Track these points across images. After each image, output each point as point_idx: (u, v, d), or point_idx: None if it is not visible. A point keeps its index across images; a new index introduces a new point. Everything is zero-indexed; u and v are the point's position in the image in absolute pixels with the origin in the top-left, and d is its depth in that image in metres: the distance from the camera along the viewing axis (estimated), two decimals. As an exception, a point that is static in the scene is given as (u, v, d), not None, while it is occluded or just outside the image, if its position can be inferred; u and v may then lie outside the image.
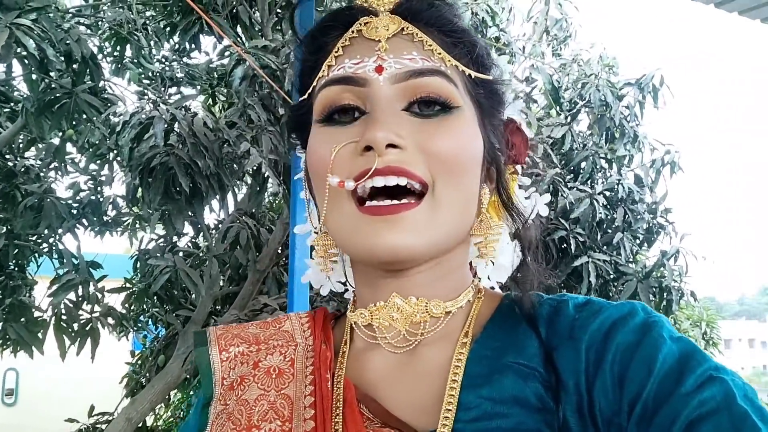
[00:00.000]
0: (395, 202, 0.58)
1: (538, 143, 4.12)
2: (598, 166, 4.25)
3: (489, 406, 0.57)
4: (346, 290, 0.76)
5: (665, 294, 3.94)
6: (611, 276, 3.99)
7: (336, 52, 0.64)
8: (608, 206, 4.18)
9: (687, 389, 0.51)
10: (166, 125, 2.67)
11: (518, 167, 0.73)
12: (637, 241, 4.34)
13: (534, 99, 4.49)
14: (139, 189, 3.00)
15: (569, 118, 4.28)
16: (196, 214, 3.28)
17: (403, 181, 0.58)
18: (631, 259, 4.25)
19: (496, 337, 0.63)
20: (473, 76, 0.65)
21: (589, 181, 4.32)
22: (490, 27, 3.80)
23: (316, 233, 0.70)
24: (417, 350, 0.64)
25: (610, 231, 4.22)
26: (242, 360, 0.68)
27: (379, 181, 0.58)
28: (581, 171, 4.24)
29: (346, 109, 0.62)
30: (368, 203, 0.59)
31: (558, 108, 4.08)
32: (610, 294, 4.08)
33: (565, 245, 4.00)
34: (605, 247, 4.15)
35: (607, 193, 4.23)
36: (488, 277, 0.74)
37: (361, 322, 0.66)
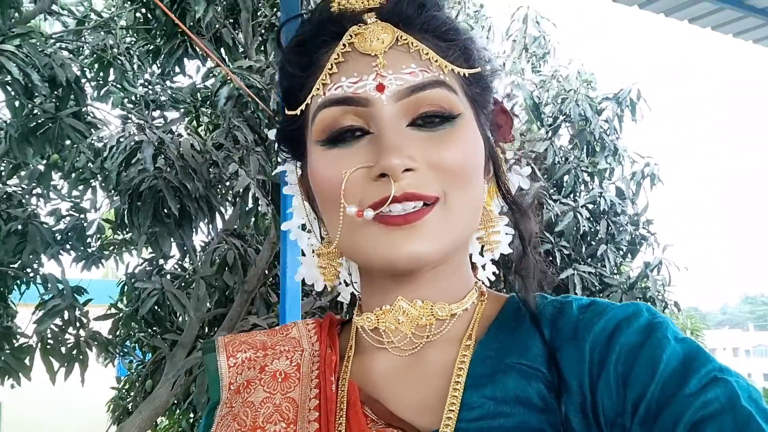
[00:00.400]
0: (409, 210, 0.58)
1: (520, 158, 4.17)
2: (580, 180, 4.32)
3: (492, 406, 0.57)
4: (338, 294, 0.76)
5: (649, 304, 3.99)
6: (596, 287, 4.03)
7: (330, 69, 0.62)
8: (591, 219, 4.24)
9: (691, 390, 0.50)
10: (154, 149, 2.68)
11: (505, 146, 0.73)
12: (621, 253, 4.39)
13: (515, 114, 4.56)
14: (127, 213, 2.99)
15: (550, 133, 4.36)
16: (185, 237, 3.27)
17: (419, 204, 0.58)
18: (615, 271, 4.30)
19: (500, 338, 0.63)
20: (467, 75, 0.64)
21: (571, 195, 4.39)
22: (470, 45, 3.87)
23: (321, 239, 0.71)
24: (422, 352, 0.64)
25: (593, 243, 4.28)
26: (249, 365, 0.69)
27: (397, 208, 0.58)
28: (564, 184, 4.31)
29: (348, 130, 0.61)
30: (382, 215, 0.59)
31: (539, 123, 4.15)
32: (596, 305, 4.11)
33: (550, 258, 4.04)
34: (590, 259, 4.21)
35: (590, 206, 4.29)
36: (481, 254, 0.74)
37: (367, 326, 0.66)
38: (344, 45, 0.62)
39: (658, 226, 4.54)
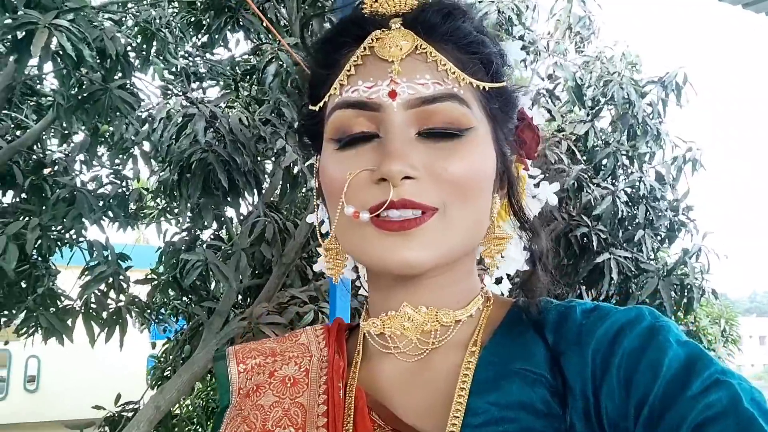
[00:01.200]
0: (407, 216, 0.59)
1: (561, 140, 4.15)
2: (619, 163, 4.26)
3: (496, 412, 0.58)
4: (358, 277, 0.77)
5: (686, 292, 3.96)
6: (632, 273, 4.01)
7: (348, 70, 0.63)
8: (630, 203, 4.20)
9: (693, 393, 0.51)
10: (205, 123, 2.73)
11: (528, 162, 0.73)
12: (659, 239, 4.35)
13: (557, 96, 4.50)
14: (176, 184, 3.06)
15: (592, 116, 4.29)
16: (235, 210, 3.34)
17: (417, 213, 0.59)
18: (652, 257, 4.26)
19: (504, 344, 0.64)
20: (488, 89, 0.64)
21: (610, 178, 4.34)
22: (515, 25, 3.82)
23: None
24: (428, 358, 0.65)
25: (631, 228, 4.24)
26: (259, 370, 0.70)
27: (394, 213, 0.59)
28: (603, 168, 4.26)
29: (360, 136, 0.62)
30: (379, 217, 0.60)
31: (581, 105, 4.09)
32: (631, 291, 4.10)
33: (586, 242, 4.03)
34: (626, 244, 4.17)
35: (629, 190, 4.24)
36: (496, 268, 0.73)
37: (373, 331, 0.67)
38: (364, 48, 0.63)
39: (698, 213, 4.47)
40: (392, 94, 0.60)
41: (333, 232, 0.66)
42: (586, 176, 4.00)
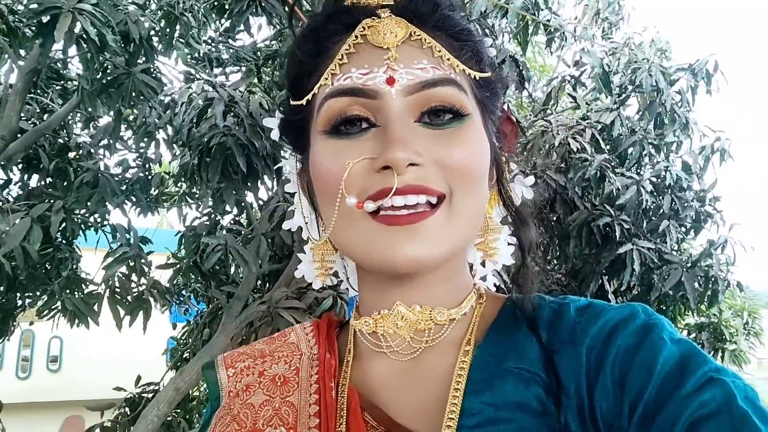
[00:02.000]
0: (412, 211, 0.57)
1: (586, 128, 4.08)
2: (645, 152, 4.18)
3: (491, 412, 0.57)
4: (340, 281, 0.74)
5: (710, 284, 3.89)
6: (656, 264, 3.95)
7: (340, 59, 0.61)
8: (655, 193, 4.13)
9: (687, 391, 0.51)
10: (225, 107, 2.73)
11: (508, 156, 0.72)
12: (683, 230, 4.27)
13: (583, 83, 4.43)
14: (196, 168, 3.08)
15: (618, 103, 4.21)
16: (253, 194, 3.35)
17: (422, 199, 0.57)
18: (676, 248, 4.19)
19: (498, 342, 0.63)
20: (478, 78, 0.63)
21: (635, 167, 4.26)
22: (542, 10, 3.75)
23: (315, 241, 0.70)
24: (421, 357, 0.64)
25: (655, 218, 4.17)
26: (248, 372, 0.70)
27: (399, 201, 0.57)
28: (628, 157, 4.19)
29: (354, 120, 0.60)
30: (383, 212, 0.58)
31: (608, 92, 4.02)
32: (654, 282, 4.04)
33: (609, 231, 3.97)
34: (650, 234, 4.11)
35: (654, 180, 4.17)
36: (482, 264, 0.73)
37: (365, 330, 0.66)
38: (356, 36, 0.61)
39: (725, 204, 4.39)
40: (390, 81, 0.58)
41: (327, 230, 0.62)
42: (609, 165, 3.93)
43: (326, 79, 0.61)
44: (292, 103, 0.66)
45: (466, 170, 0.59)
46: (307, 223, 0.72)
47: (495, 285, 0.74)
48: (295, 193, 0.74)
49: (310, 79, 0.63)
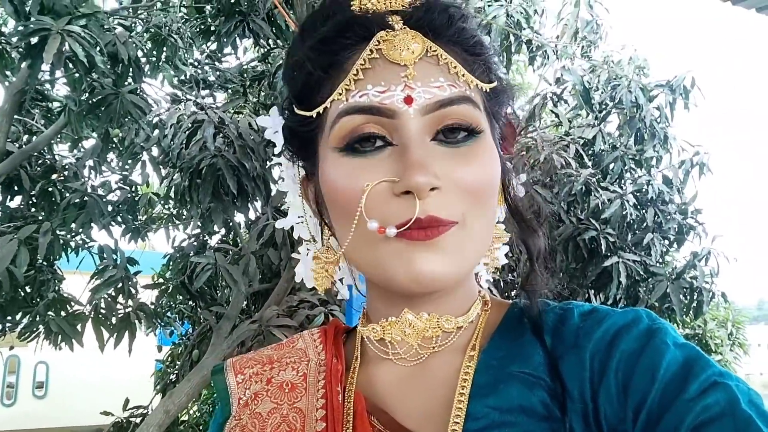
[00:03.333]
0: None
1: (569, 143, 4.15)
2: (627, 167, 4.26)
3: (496, 416, 0.57)
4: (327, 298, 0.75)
5: (695, 295, 3.95)
6: (641, 276, 4.00)
7: (356, 74, 0.59)
8: (638, 207, 4.20)
9: (691, 395, 0.51)
10: (214, 129, 2.75)
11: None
12: (667, 242, 4.34)
13: (565, 99, 4.52)
14: (187, 190, 3.09)
15: (599, 120, 4.30)
16: (243, 215, 3.36)
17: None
18: (660, 260, 4.25)
19: (503, 347, 0.63)
20: (489, 90, 0.63)
21: (618, 182, 4.34)
22: (524, 29, 3.84)
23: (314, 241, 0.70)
24: (427, 362, 0.64)
25: (639, 231, 4.24)
26: (256, 379, 0.70)
27: (417, 228, 0.57)
28: (610, 172, 4.26)
29: (369, 137, 0.59)
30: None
31: (588, 109, 4.10)
32: (640, 294, 4.09)
33: (595, 245, 4.02)
34: (635, 247, 4.17)
35: (637, 194, 4.24)
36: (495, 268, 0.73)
37: (373, 337, 0.66)
38: (371, 51, 0.60)
39: (707, 216, 4.47)
40: (408, 100, 0.58)
41: (342, 247, 0.62)
42: (593, 180, 4.00)
43: (340, 94, 0.60)
44: (299, 112, 0.64)
45: (481, 191, 0.59)
46: (299, 223, 0.73)
47: (491, 282, 0.75)
48: (287, 191, 0.73)
49: (321, 91, 0.62)
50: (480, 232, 0.61)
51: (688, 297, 3.96)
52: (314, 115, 0.62)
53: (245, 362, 0.72)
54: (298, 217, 0.73)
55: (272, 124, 0.72)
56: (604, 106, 4.30)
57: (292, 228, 0.75)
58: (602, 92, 4.26)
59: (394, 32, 0.61)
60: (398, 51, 0.59)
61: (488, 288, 0.75)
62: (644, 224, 4.17)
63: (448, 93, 0.59)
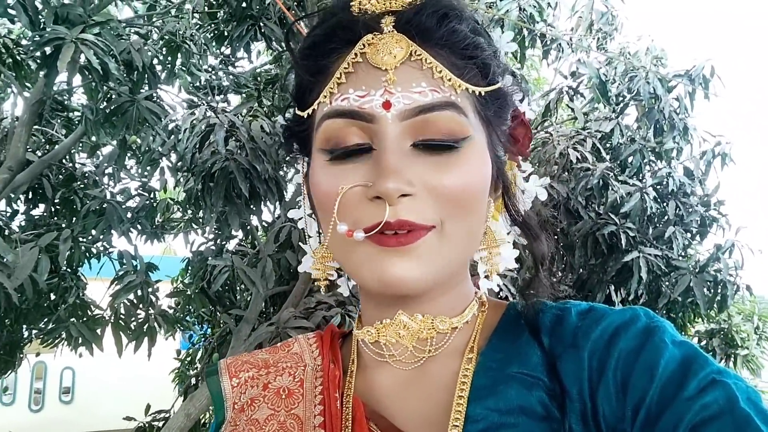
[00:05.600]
0: (403, 231, 0.57)
1: (586, 137, 4.10)
2: (646, 160, 4.19)
3: (496, 417, 0.57)
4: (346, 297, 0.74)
5: (720, 288, 3.87)
6: (663, 270, 3.93)
7: (339, 78, 0.60)
8: (659, 200, 4.13)
9: (689, 393, 0.51)
10: (226, 132, 2.77)
11: (521, 159, 0.72)
12: (689, 235, 4.26)
13: (581, 93, 4.46)
14: (200, 194, 3.11)
15: (617, 112, 4.24)
16: (257, 217, 3.38)
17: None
18: (683, 254, 4.18)
19: (501, 348, 0.63)
20: (483, 93, 0.62)
21: (637, 175, 4.27)
22: (537, 22, 3.80)
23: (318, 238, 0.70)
24: (425, 366, 0.64)
25: (660, 225, 4.17)
26: (252, 383, 0.69)
27: (390, 234, 0.57)
28: (629, 165, 4.19)
29: (354, 150, 0.60)
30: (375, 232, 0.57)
31: (605, 102, 4.04)
32: (662, 289, 4.02)
33: (615, 240, 3.96)
34: (656, 241, 4.10)
35: (657, 187, 4.17)
36: (486, 277, 0.72)
37: (368, 339, 0.65)
38: (355, 54, 0.60)
39: (730, 208, 4.38)
40: (386, 105, 0.58)
41: (325, 244, 0.64)
42: (611, 174, 3.94)
43: (325, 97, 0.61)
44: (296, 113, 0.67)
45: (459, 199, 0.58)
46: (309, 215, 0.73)
47: (498, 287, 0.73)
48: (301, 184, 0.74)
49: (311, 94, 0.63)
50: (460, 238, 0.60)
51: (712, 290, 3.88)
52: (305, 116, 0.64)
53: (240, 365, 0.71)
54: (308, 208, 0.73)
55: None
56: (621, 99, 4.24)
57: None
58: (619, 84, 4.19)
59: (380, 36, 0.60)
60: (380, 56, 0.59)
61: (505, 286, 0.74)
62: (665, 217, 4.10)
63: (429, 99, 0.58)
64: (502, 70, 0.66)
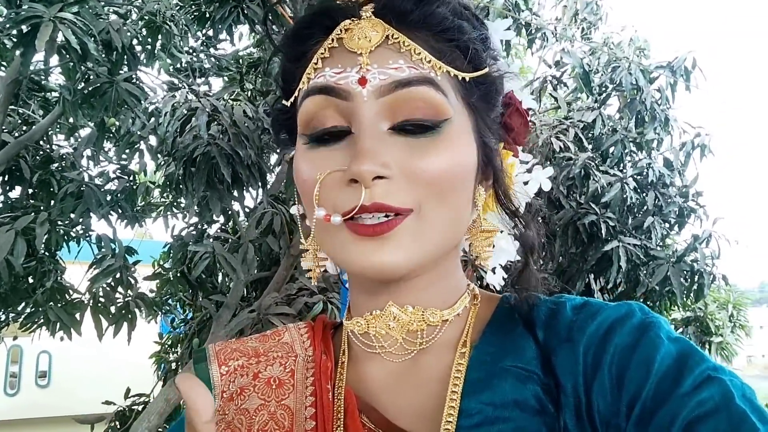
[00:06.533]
0: (381, 219, 0.56)
1: (569, 127, 4.13)
2: (627, 150, 4.24)
3: (490, 411, 0.57)
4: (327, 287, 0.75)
5: (696, 278, 3.94)
6: (642, 260, 3.99)
7: (315, 63, 0.60)
8: (638, 190, 4.18)
9: (685, 390, 0.51)
10: (208, 117, 2.73)
11: (519, 148, 0.71)
12: (668, 225, 4.33)
13: (564, 83, 4.47)
14: (181, 178, 3.08)
15: (599, 102, 4.26)
16: (239, 202, 3.35)
17: (391, 214, 0.56)
18: (661, 244, 4.24)
19: (494, 342, 0.63)
20: (467, 79, 0.61)
21: (617, 165, 4.31)
22: (522, 11, 3.79)
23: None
24: (417, 358, 0.63)
25: (640, 215, 4.22)
26: (242, 372, 0.67)
27: (366, 218, 0.56)
28: (610, 155, 4.23)
29: (331, 132, 0.59)
30: (352, 219, 0.57)
31: (588, 92, 4.06)
32: (641, 278, 4.08)
33: (595, 230, 4.01)
34: (635, 231, 4.15)
35: (638, 177, 4.22)
36: (487, 263, 0.71)
37: (357, 330, 0.65)
38: (332, 39, 0.61)
39: (708, 199, 4.46)
40: (362, 81, 0.57)
41: (312, 234, 0.64)
42: (593, 164, 3.97)
43: (304, 82, 0.61)
44: (283, 103, 0.67)
45: (437, 183, 0.57)
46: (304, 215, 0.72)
47: (499, 265, 0.73)
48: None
49: (294, 82, 0.63)
50: (441, 222, 0.59)
51: (689, 280, 3.95)
52: (289, 105, 0.65)
53: (229, 353, 0.70)
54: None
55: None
56: (604, 89, 4.26)
57: (291, 217, 0.75)
58: (602, 75, 4.22)
59: (357, 21, 0.61)
60: (356, 40, 0.59)
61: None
62: (645, 208, 4.15)
63: (406, 74, 0.57)
64: (491, 55, 0.65)
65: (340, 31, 0.60)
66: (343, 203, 0.57)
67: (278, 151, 3.94)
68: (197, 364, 0.70)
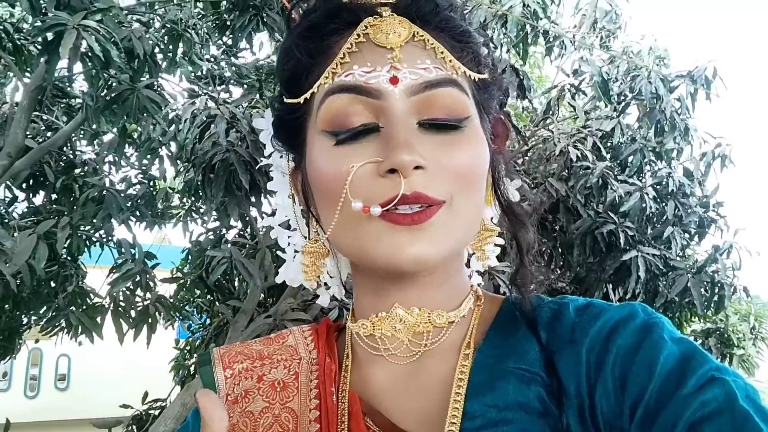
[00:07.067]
0: (416, 209, 0.56)
1: (587, 136, 4.10)
2: (646, 160, 4.20)
3: (494, 413, 0.57)
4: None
5: (717, 289, 3.88)
6: (661, 270, 3.94)
7: (342, 58, 0.60)
8: (658, 199, 4.13)
9: (688, 390, 0.50)
10: (227, 124, 2.76)
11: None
12: (688, 236, 4.27)
13: (582, 91, 4.45)
14: (200, 185, 3.12)
15: (618, 111, 4.23)
16: (256, 208, 3.38)
17: (424, 206, 0.57)
18: (681, 254, 4.19)
19: (498, 344, 0.63)
20: (477, 80, 0.63)
21: (636, 175, 4.27)
22: (541, 19, 3.79)
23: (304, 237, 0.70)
24: (421, 361, 0.63)
25: (659, 225, 4.17)
26: (246, 375, 0.67)
27: (404, 208, 0.56)
28: (629, 165, 4.20)
29: (360, 131, 0.59)
30: (388, 209, 0.57)
31: (607, 100, 4.04)
32: (660, 288, 4.03)
33: (613, 239, 3.97)
34: (655, 241, 4.10)
35: (657, 187, 4.17)
36: (467, 265, 0.73)
37: (362, 333, 0.65)
38: (359, 35, 0.60)
39: (728, 209, 4.40)
40: (394, 80, 0.58)
41: (327, 231, 0.62)
42: (611, 173, 3.94)
43: (327, 77, 0.60)
44: (287, 101, 0.64)
45: (468, 174, 0.59)
46: (293, 228, 0.72)
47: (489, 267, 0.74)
48: (276, 192, 0.73)
49: (309, 77, 0.62)
50: (468, 214, 0.60)
51: (709, 291, 3.89)
52: (302, 101, 0.62)
53: (234, 356, 0.70)
54: (284, 216, 0.73)
55: (267, 126, 0.72)
56: (623, 98, 4.23)
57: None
58: (621, 83, 4.19)
59: (381, 18, 0.61)
60: (385, 35, 0.60)
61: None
62: (664, 217, 4.10)
63: (434, 75, 0.59)
64: (489, 62, 0.67)
65: (366, 26, 0.61)
66: (381, 194, 0.56)
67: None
68: (202, 367, 0.70)
